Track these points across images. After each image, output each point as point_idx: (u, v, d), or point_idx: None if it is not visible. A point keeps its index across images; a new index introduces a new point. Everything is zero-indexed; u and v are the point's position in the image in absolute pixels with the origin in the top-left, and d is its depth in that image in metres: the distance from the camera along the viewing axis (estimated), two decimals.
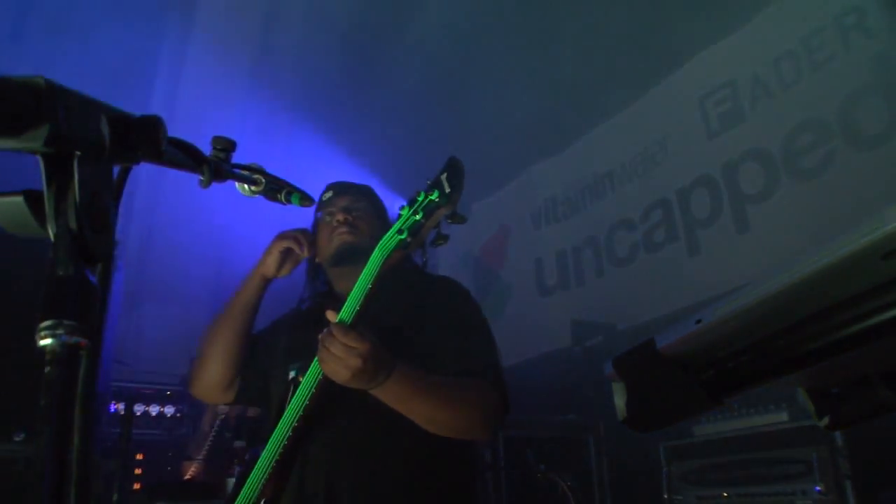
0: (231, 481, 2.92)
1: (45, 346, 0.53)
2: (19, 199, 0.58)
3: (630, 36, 3.77)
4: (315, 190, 1.28)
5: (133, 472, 3.66)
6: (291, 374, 1.50)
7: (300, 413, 1.34)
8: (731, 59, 3.77)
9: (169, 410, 4.14)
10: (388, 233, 1.35)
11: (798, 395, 0.73)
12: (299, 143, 4.94)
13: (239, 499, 1.37)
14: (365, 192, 1.81)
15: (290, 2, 4.70)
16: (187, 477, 3.59)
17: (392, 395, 1.31)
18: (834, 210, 3.00)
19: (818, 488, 2.22)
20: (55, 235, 0.56)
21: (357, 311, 1.29)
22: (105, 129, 0.60)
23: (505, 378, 1.53)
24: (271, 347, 1.76)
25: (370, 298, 1.30)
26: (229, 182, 0.91)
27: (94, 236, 0.57)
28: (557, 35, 4.09)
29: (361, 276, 1.33)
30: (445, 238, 1.33)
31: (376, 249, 1.34)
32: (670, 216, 4.03)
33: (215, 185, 0.84)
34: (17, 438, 2.51)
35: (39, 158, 0.56)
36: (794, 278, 0.52)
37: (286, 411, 1.37)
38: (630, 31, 3.76)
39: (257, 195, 0.97)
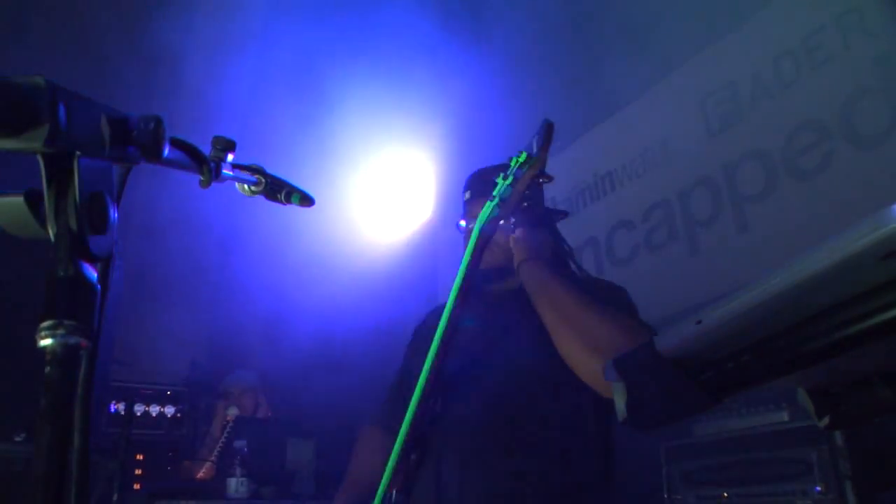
0: (231, 481, 2.92)
1: (45, 346, 0.53)
2: (19, 199, 0.58)
3: (630, 36, 3.78)
4: None
5: (133, 472, 3.67)
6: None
7: (420, 400, 1.30)
8: (730, 59, 3.76)
9: (169, 410, 4.14)
10: (485, 207, 1.35)
11: (798, 395, 0.73)
12: None
13: (378, 493, 1.37)
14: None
15: None
16: (200, 475, 3.60)
17: (539, 271, 1.33)
18: (834, 210, 2.99)
19: (818, 488, 2.21)
20: (55, 235, 0.56)
21: (460, 288, 1.27)
22: (105, 129, 0.60)
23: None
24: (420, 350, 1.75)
25: (472, 273, 1.29)
26: (229, 182, 0.91)
27: (94, 236, 0.57)
28: (557, 35, 4.09)
29: (462, 262, 1.31)
30: (549, 178, 1.35)
31: (475, 226, 1.34)
32: (670, 216, 4.03)
33: (215, 185, 0.84)
34: (17, 438, 2.51)
35: (39, 158, 0.56)
36: (794, 278, 0.52)
37: (413, 398, 1.34)
38: (630, 31, 3.76)
39: (257, 195, 0.97)
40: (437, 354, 1.27)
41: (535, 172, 1.29)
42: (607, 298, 1.58)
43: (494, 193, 1.33)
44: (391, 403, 1.85)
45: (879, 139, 2.96)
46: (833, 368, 0.63)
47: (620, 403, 0.73)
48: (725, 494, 2.52)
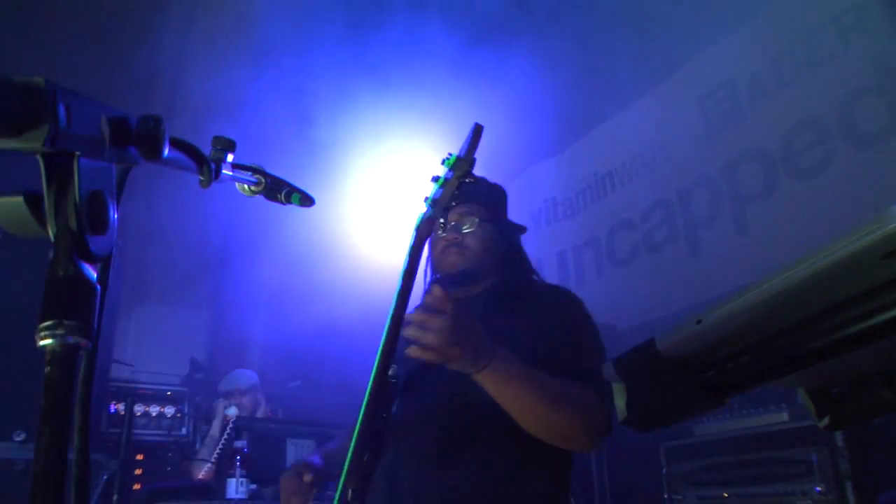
0: (231, 481, 2.92)
1: (45, 346, 0.53)
2: (19, 199, 0.58)
3: (629, 36, 3.77)
4: None
5: (133, 472, 3.67)
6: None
7: (368, 402, 1.31)
8: (730, 58, 3.76)
9: (169, 410, 4.14)
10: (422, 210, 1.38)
11: (798, 395, 0.73)
12: None
13: (337, 493, 1.37)
14: (482, 197, 1.77)
15: None
16: (200, 476, 3.60)
17: (496, 378, 1.28)
18: (833, 209, 3.00)
19: (818, 488, 2.21)
20: (55, 235, 0.56)
21: (399, 290, 1.29)
22: (105, 129, 0.60)
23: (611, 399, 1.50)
24: None
25: (410, 276, 1.31)
26: (229, 182, 0.91)
27: (94, 236, 0.57)
28: (556, 35, 4.09)
29: (403, 266, 1.34)
30: (475, 179, 1.37)
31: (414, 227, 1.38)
32: (670, 216, 4.03)
33: (215, 185, 0.84)
34: (17, 438, 2.51)
35: (39, 158, 0.56)
36: (794, 278, 0.52)
37: (364, 399, 1.35)
38: (629, 32, 3.76)
39: (257, 195, 0.97)
40: (383, 354, 1.29)
41: (462, 174, 1.33)
42: (563, 320, 1.58)
43: (427, 196, 1.37)
44: None
45: (879, 138, 2.96)
46: (833, 368, 0.63)
47: (620, 403, 0.73)
48: (725, 494, 2.52)
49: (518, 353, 1.39)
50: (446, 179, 1.35)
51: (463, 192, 1.73)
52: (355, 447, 1.33)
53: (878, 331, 0.53)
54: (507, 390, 1.30)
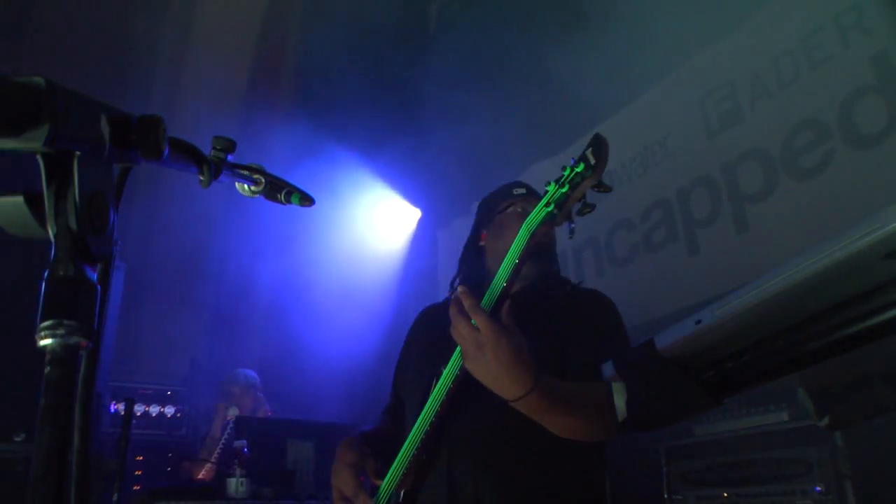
0: (231, 481, 2.92)
1: (45, 346, 0.53)
2: (19, 199, 0.58)
3: (629, 36, 3.77)
4: None
5: (133, 472, 3.67)
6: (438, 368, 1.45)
7: (440, 406, 1.32)
8: (729, 58, 3.76)
9: (169, 410, 4.14)
10: (536, 207, 1.37)
11: (798, 395, 0.73)
12: None
13: (380, 491, 1.37)
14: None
15: None
16: (200, 476, 3.60)
17: (531, 409, 1.25)
18: (833, 209, 3.00)
19: (818, 488, 2.22)
20: (55, 235, 0.56)
21: (503, 287, 1.28)
22: (105, 129, 0.60)
23: None
24: (416, 342, 1.75)
25: (516, 275, 1.30)
26: (229, 182, 0.91)
27: (94, 236, 0.57)
28: (557, 35, 4.09)
29: (509, 254, 1.32)
30: (592, 207, 1.37)
31: (524, 224, 1.35)
32: (670, 216, 4.03)
33: (215, 185, 0.84)
34: (17, 438, 2.51)
35: (39, 158, 0.56)
36: (794, 278, 0.52)
37: (427, 403, 1.35)
38: (629, 31, 3.76)
39: (257, 195, 0.97)
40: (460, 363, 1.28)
41: (595, 182, 1.32)
42: (598, 323, 1.59)
43: (549, 199, 1.35)
44: (393, 398, 1.88)
45: (878, 138, 2.96)
46: (833, 368, 0.63)
47: (620, 403, 0.73)
48: (725, 494, 2.52)
49: (550, 355, 1.41)
50: (573, 185, 1.32)
51: (536, 195, 1.76)
52: (415, 448, 1.32)
53: (878, 331, 0.53)
54: (543, 418, 1.30)
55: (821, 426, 0.70)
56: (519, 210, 1.72)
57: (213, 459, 3.55)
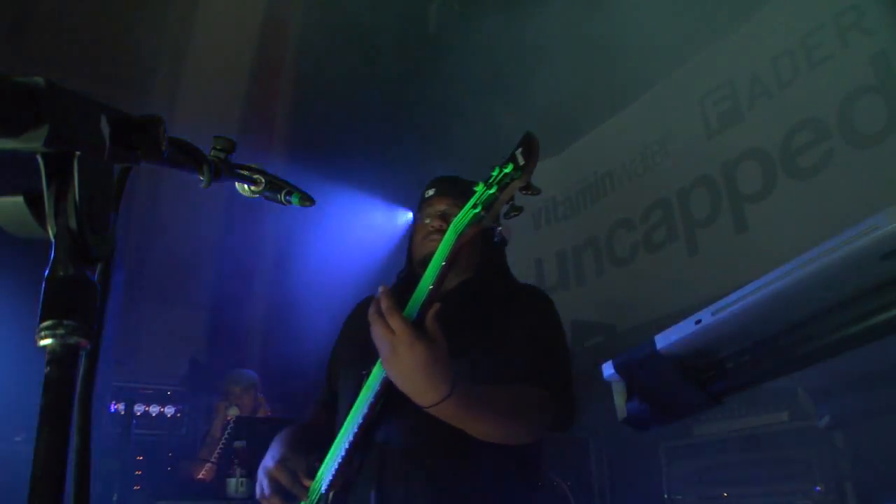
0: (231, 481, 2.92)
1: (45, 346, 0.53)
2: (19, 199, 0.58)
3: (629, 36, 3.77)
4: None
5: (133, 472, 3.66)
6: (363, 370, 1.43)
7: (368, 408, 1.30)
8: (729, 58, 3.77)
9: (169, 410, 4.14)
10: (464, 209, 1.31)
11: (798, 395, 0.73)
12: None
13: (310, 492, 1.36)
14: (467, 194, 1.75)
15: None
16: (200, 476, 3.60)
17: (447, 415, 1.24)
18: (832, 209, 3.00)
19: (818, 488, 2.22)
20: (55, 235, 0.56)
21: (430, 290, 1.24)
22: (105, 129, 0.60)
23: (573, 394, 1.48)
24: (348, 337, 1.73)
25: (443, 278, 1.26)
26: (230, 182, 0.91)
27: (94, 236, 0.57)
28: (557, 35, 4.09)
29: (436, 256, 1.29)
30: (519, 210, 1.30)
31: (450, 226, 1.30)
32: (670, 216, 4.03)
33: (215, 186, 0.84)
34: (17, 438, 2.51)
35: (39, 158, 0.56)
36: (793, 278, 0.52)
37: (355, 404, 1.34)
38: (629, 31, 3.76)
39: (257, 195, 0.97)
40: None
41: (523, 184, 1.25)
42: (531, 321, 1.56)
43: (476, 200, 1.28)
44: (326, 392, 1.87)
45: (878, 138, 2.96)
46: (833, 368, 0.62)
47: (620, 403, 0.73)
48: (725, 494, 2.52)
49: (481, 352, 1.39)
50: (501, 186, 1.26)
51: (452, 186, 1.71)
52: (346, 451, 1.31)
53: (878, 331, 0.53)
54: (461, 424, 1.28)
55: (821, 426, 0.70)
56: (426, 220, 1.67)
57: (213, 459, 3.55)
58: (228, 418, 3.68)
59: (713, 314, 0.60)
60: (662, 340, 0.67)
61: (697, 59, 3.97)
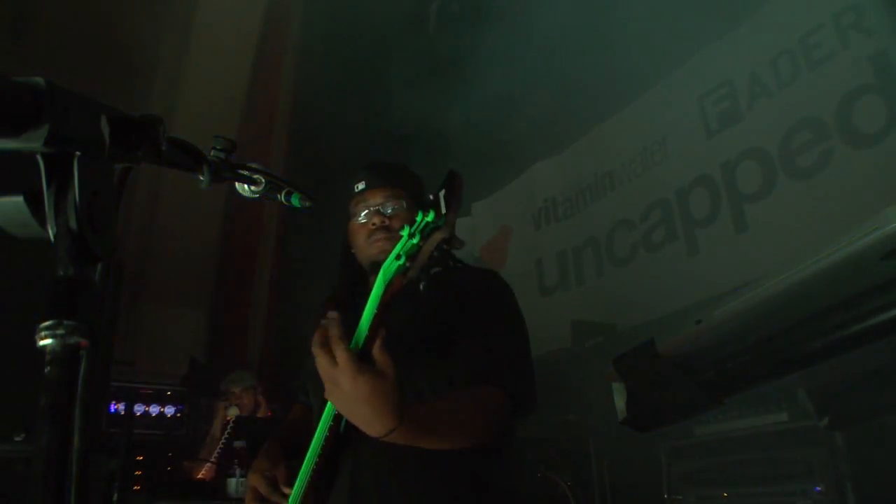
0: (231, 481, 2.93)
1: (45, 346, 0.53)
2: (19, 199, 0.58)
3: (629, 36, 3.78)
4: None
5: (133, 472, 3.66)
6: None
7: (333, 419, 1.27)
8: (728, 58, 3.77)
9: (169, 410, 4.14)
10: (389, 257, 1.18)
11: (798, 395, 0.73)
12: None
13: (290, 500, 1.35)
14: (402, 181, 1.61)
15: None
16: (200, 476, 3.60)
17: (399, 441, 1.18)
18: (832, 209, 3.00)
19: (818, 488, 2.21)
20: (55, 235, 0.56)
21: (366, 336, 1.15)
22: (105, 129, 0.60)
23: (531, 379, 1.40)
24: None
25: (379, 325, 1.17)
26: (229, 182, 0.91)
27: (94, 236, 0.57)
28: (556, 35, 4.09)
29: (368, 303, 1.19)
30: (440, 264, 1.17)
31: (380, 274, 1.18)
32: (669, 216, 4.03)
33: (215, 185, 0.84)
34: (17, 438, 2.51)
35: (39, 158, 0.56)
36: (793, 279, 0.52)
37: (324, 415, 1.30)
38: (629, 31, 3.76)
39: (258, 195, 0.97)
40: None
41: (445, 237, 1.12)
42: (484, 311, 1.47)
43: (400, 249, 1.15)
44: (302, 394, 1.88)
45: (877, 138, 2.96)
46: (833, 368, 0.63)
47: (620, 403, 0.73)
48: (725, 494, 2.52)
49: (434, 364, 1.36)
50: (423, 237, 1.13)
51: (384, 175, 1.59)
52: (317, 458, 1.29)
53: (878, 331, 0.53)
54: (414, 444, 1.22)
55: (821, 426, 0.70)
56: (362, 219, 1.57)
57: (213, 459, 3.55)
58: (228, 418, 3.68)
59: (713, 315, 0.61)
60: (662, 340, 0.67)
61: (697, 58, 3.97)
